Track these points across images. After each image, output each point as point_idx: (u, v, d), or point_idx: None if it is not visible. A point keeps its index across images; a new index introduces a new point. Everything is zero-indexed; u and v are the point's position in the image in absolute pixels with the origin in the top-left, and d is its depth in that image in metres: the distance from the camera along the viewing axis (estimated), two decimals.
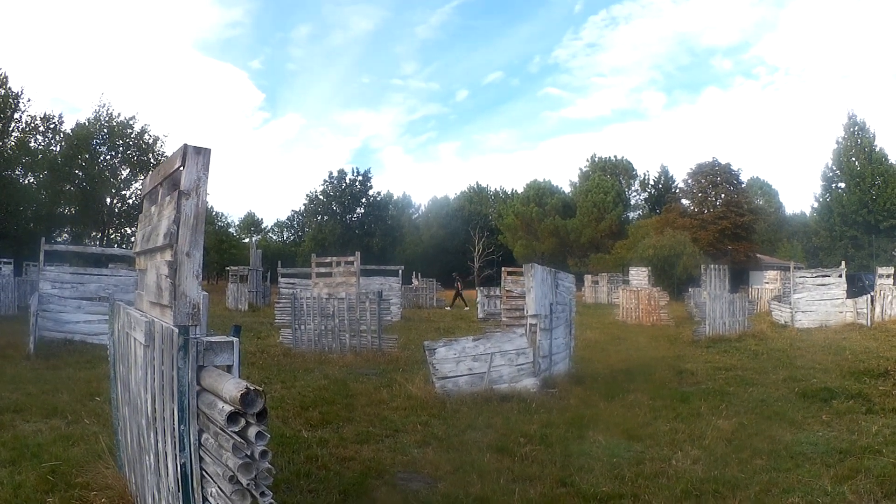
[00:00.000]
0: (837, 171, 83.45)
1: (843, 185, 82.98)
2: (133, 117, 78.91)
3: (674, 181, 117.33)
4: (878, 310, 35.44)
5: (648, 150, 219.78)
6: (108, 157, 77.61)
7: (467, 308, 51.28)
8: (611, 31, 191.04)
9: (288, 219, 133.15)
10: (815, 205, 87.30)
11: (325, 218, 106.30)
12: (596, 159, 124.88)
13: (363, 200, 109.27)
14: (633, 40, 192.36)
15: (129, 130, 78.10)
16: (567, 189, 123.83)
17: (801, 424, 12.70)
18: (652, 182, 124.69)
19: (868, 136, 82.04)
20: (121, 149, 78.05)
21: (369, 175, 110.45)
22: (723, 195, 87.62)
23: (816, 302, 35.37)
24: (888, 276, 37.73)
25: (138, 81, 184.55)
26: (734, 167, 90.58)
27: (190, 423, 4.87)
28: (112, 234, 78.73)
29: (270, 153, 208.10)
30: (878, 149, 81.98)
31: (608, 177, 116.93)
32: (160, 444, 5.58)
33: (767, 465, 9.93)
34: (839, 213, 79.52)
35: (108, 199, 78.09)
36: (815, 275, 37.48)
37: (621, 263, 76.91)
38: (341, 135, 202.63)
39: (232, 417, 4.27)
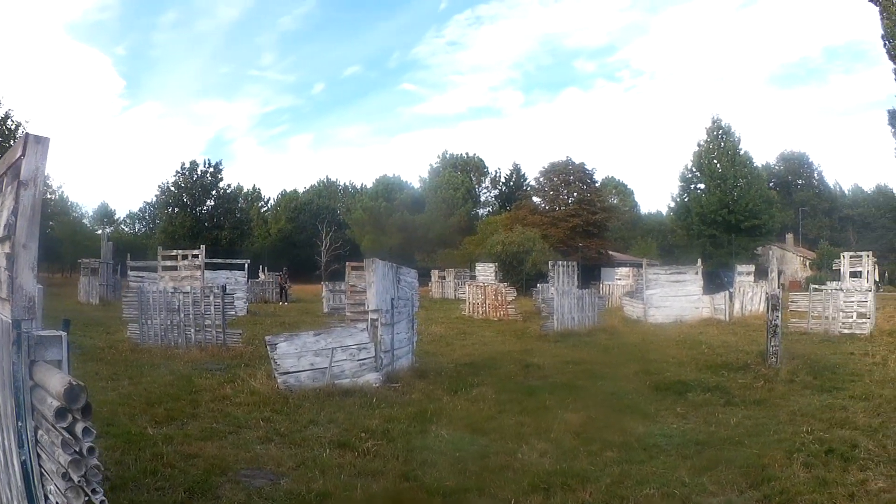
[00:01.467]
0: (697, 173, 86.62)
1: (702, 185, 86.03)
2: None
3: (525, 179, 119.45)
4: (737, 305, 36.35)
5: (503, 148, 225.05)
6: None
7: (284, 304, 51.64)
8: (474, 30, 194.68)
9: (140, 210, 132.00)
10: (672, 205, 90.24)
11: (176, 210, 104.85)
12: (447, 156, 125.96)
13: (213, 192, 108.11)
14: (495, 40, 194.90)
15: None
16: (417, 185, 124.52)
17: (655, 417, 12.59)
18: (503, 179, 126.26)
19: (733, 140, 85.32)
20: None
21: (220, 167, 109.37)
22: (575, 193, 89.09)
23: (671, 298, 35.90)
24: (748, 273, 38.95)
25: (4, 63, 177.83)
26: (588, 166, 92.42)
27: (26, 419, 4.79)
28: None
29: (128, 142, 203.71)
30: (742, 152, 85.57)
31: (459, 173, 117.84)
32: (6, 442, 5.38)
33: (619, 458, 9.68)
34: (698, 212, 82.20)
35: None
36: (669, 271, 38.23)
37: (470, 259, 77.32)
38: (196, 125, 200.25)
39: (60, 413, 4.19)
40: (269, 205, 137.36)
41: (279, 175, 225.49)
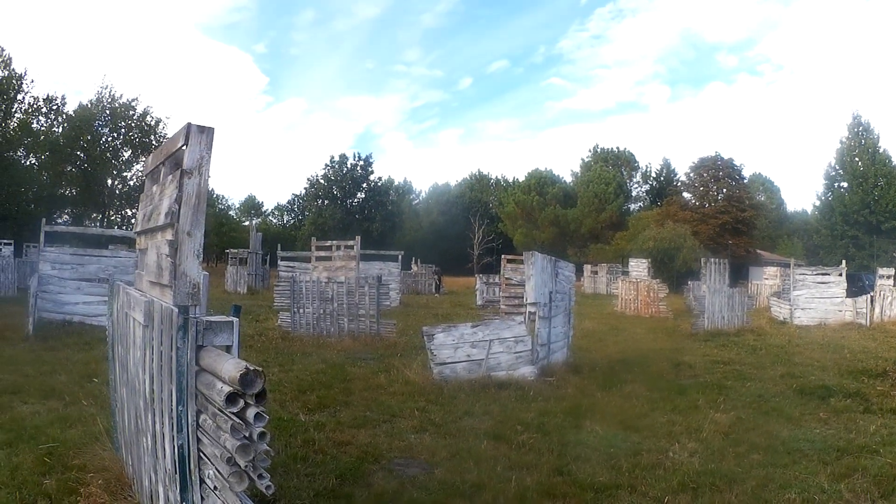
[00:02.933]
0: (840, 171, 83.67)
1: (845, 184, 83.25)
2: (135, 99, 79.21)
3: (675, 174, 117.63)
4: (877, 310, 35.38)
5: (651, 142, 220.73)
6: (110, 138, 77.69)
7: (436, 295, 52.49)
8: (616, 23, 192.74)
9: (288, 202, 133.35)
10: (817, 203, 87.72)
11: (326, 202, 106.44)
12: (598, 150, 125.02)
13: (364, 185, 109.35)
14: (638, 34, 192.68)
15: (132, 112, 78.31)
16: (568, 179, 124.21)
17: (799, 421, 12.66)
18: (654, 175, 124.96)
19: (872, 138, 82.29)
20: (123, 130, 78.24)
21: (370, 160, 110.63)
22: (724, 190, 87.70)
23: (816, 300, 35.44)
24: (888, 276, 37.88)
25: (142, 64, 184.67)
26: (737, 162, 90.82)
27: (188, 403, 4.87)
28: (112, 215, 79.21)
29: (273, 137, 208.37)
30: (881, 150, 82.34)
31: (610, 168, 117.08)
32: (158, 426, 5.60)
33: (764, 461, 9.91)
34: (841, 212, 79.76)
35: (109, 181, 78.44)
36: (815, 272, 37.58)
37: (621, 254, 77.09)
38: (343, 120, 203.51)
39: (231, 398, 4.27)
40: (420, 198, 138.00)
41: (430, 169, 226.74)
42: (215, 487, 4.62)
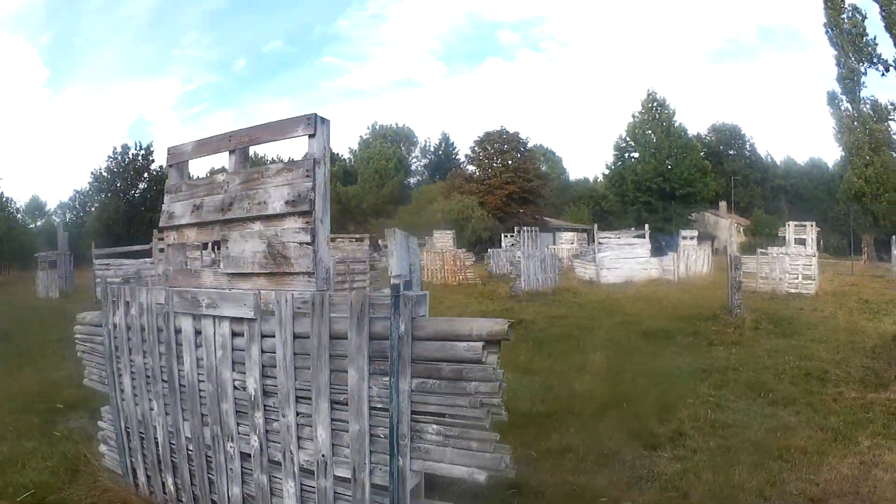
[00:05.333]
0: (632, 143, 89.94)
1: (636, 154, 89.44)
2: None
3: (454, 148, 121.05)
4: (682, 267, 39.39)
5: (428, 118, 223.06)
6: None
7: None
8: (397, 2, 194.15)
9: (70, 199, 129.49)
10: (606, 172, 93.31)
11: (109, 195, 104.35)
12: (377, 127, 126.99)
13: (146, 175, 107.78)
14: (418, 11, 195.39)
15: None
16: (347, 156, 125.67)
17: (658, 355, 15.55)
18: (433, 149, 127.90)
19: (667, 112, 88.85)
20: None
21: (151, 149, 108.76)
22: (510, 161, 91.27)
23: (621, 260, 39.06)
24: (692, 238, 42.38)
25: None
26: (522, 136, 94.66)
27: (403, 372, 5.47)
28: None
29: (54, 131, 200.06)
30: (677, 124, 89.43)
31: (389, 144, 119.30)
32: (292, 416, 6.17)
33: (652, 382, 12.68)
34: (633, 180, 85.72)
35: None
36: (618, 235, 41.34)
37: (407, 228, 79.44)
38: (120, 108, 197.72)
39: (474, 354, 5.14)
40: None
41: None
42: (446, 437, 5.37)
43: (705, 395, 11.68)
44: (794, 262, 32.00)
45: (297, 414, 6.14)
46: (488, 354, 5.14)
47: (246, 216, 6.74)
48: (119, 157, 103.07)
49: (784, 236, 34.02)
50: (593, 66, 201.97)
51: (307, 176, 6.23)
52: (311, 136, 6.27)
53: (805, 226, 34.02)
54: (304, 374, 6.10)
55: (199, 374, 7.01)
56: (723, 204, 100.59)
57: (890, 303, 26.05)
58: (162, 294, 7.42)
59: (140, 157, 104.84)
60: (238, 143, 6.97)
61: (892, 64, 69.20)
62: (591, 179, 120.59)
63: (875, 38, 70.84)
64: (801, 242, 33.12)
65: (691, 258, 40.86)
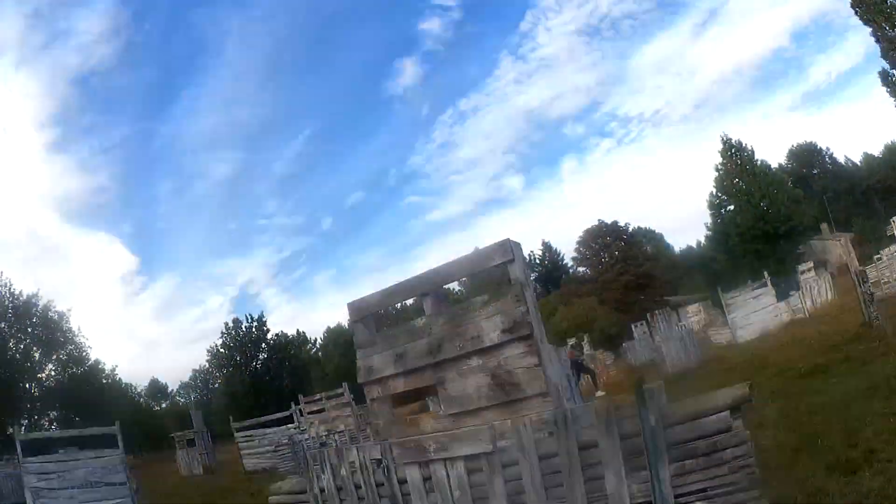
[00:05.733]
0: (724, 196, 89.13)
1: (731, 207, 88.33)
2: (36, 294, 76.64)
3: (559, 254, 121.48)
4: (808, 302, 40.05)
5: (524, 232, 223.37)
6: (16, 339, 73.74)
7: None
8: (459, 126, 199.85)
9: (191, 378, 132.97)
10: (709, 234, 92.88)
11: (231, 369, 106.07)
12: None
13: (263, 346, 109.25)
14: (483, 130, 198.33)
15: (34, 309, 75.09)
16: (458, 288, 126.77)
17: (822, 391, 16.02)
18: (538, 261, 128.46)
19: (747, 154, 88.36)
20: (29, 329, 74.91)
21: (263, 319, 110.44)
22: (617, 252, 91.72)
23: (752, 314, 39.29)
24: (809, 269, 42.52)
25: (14, 258, 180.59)
26: (621, 223, 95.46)
27: (658, 463, 5.92)
28: (38, 418, 75.62)
29: (151, 315, 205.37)
30: (759, 162, 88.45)
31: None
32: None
33: (828, 415, 13.31)
34: (737, 233, 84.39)
35: (27, 384, 74.25)
36: (743, 292, 41.44)
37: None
38: (218, 286, 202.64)
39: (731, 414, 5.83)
40: (317, 345, 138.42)
41: (313, 315, 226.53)
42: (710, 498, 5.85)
43: (881, 410, 12.09)
44: None
45: None
46: (737, 420, 5.77)
47: (460, 354, 7.02)
48: (233, 332, 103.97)
49: (893, 234, 33.93)
50: (660, 133, 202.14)
51: (517, 301, 6.58)
52: (511, 261, 6.72)
53: None
54: (554, 492, 6.40)
55: None
56: (824, 226, 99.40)
57: None
58: (377, 449, 7.76)
59: (254, 329, 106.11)
60: (432, 285, 7.41)
61: None
62: (694, 245, 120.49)
63: None
64: None
65: (814, 290, 41.47)
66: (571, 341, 45.29)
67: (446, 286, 7.79)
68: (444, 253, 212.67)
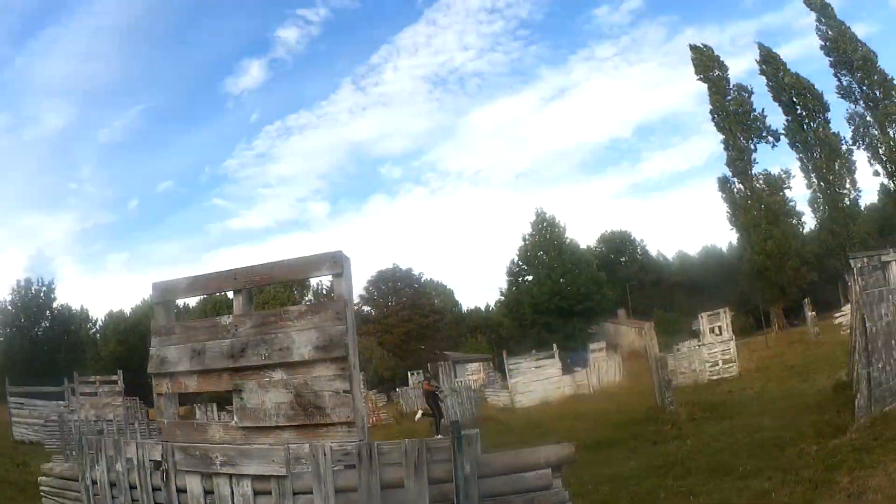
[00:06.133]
0: (524, 266, 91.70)
1: (530, 277, 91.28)
2: None
3: None
4: (594, 379, 40.35)
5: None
6: None
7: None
8: (283, 141, 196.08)
9: None
10: (501, 298, 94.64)
11: (14, 330, 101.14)
12: None
13: (48, 313, 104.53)
14: (303, 150, 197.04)
15: None
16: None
17: (609, 464, 15.64)
18: (324, 291, 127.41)
19: (558, 230, 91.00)
20: None
21: (53, 285, 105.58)
22: (405, 298, 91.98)
23: (534, 382, 39.74)
24: (600, 349, 43.53)
25: None
26: (415, 272, 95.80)
27: None
28: None
29: None
30: (568, 241, 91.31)
31: (283, 289, 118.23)
32: None
33: (617, 487, 12.98)
34: (529, 303, 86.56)
35: None
36: (529, 359, 42.10)
37: None
38: (22, 240, 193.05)
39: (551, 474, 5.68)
40: (97, 326, 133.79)
41: (101, 294, 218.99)
42: None
43: (674, 486, 11.97)
44: (712, 350, 33.65)
45: None
46: (556, 479, 5.54)
47: (264, 364, 6.38)
48: (22, 292, 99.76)
49: (696, 329, 35.31)
50: (475, 194, 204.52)
51: (338, 318, 6.03)
52: (339, 275, 6.20)
53: (718, 313, 35.67)
54: None
55: None
56: (621, 312, 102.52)
57: (814, 362, 27.67)
58: (158, 449, 6.99)
59: (42, 294, 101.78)
60: (248, 282, 6.73)
61: (783, 132, 75.49)
62: (483, 308, 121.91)
63: (763, 110, 76.94)
64: (713, 331, 34.45)
65: (602, 369, 42.13)
66: (427, 374, 44.70)
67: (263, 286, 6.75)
68: (236, 263, 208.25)
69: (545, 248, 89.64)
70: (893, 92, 73.34)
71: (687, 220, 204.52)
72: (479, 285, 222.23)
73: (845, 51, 72.60)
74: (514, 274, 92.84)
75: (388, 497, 5.72)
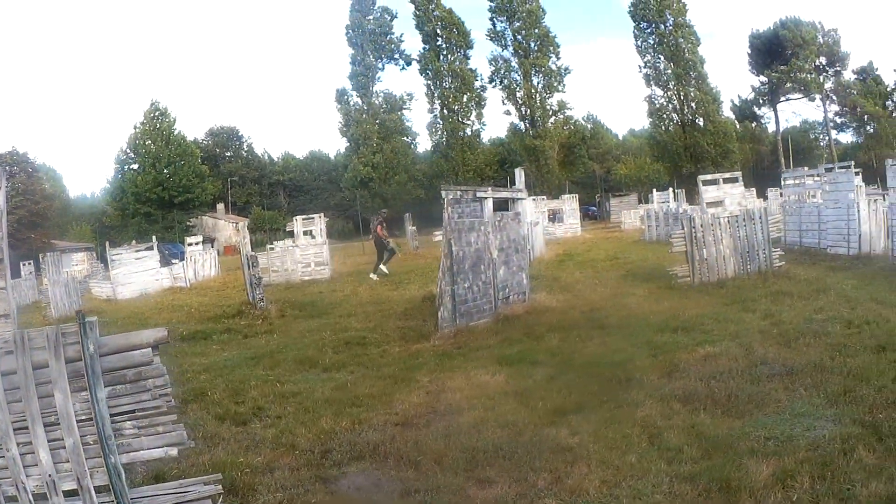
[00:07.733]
0: (132, 154, 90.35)
1: (136, 166, 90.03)
2: None
3: None
4: (190, 273, 41.18)
5: None
6: None
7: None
8: None
9: None
10: (108, 186, 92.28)
11: None
12: None
13: None
14: None
15: None
16: None
17: (205, 355, 16.38)
18: None
19: (168, 121, 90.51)
20: None
21: None
22: (20, 185, 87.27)
23: (134, 274, 39.30)
24: (197, 243, 43.97)
25: None
26: (31, 155, 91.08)
27: (96, 386, 6.25)
28: None
29: None
30: (177, 132, 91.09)
31: None
32: (13, 449, 6.44)
33: (215, 377, 13.65)
34: (133, 192, 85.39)
35: None
36: (129, 251, 41.61)
37: None
38: None
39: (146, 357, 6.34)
40: None
41: None
42: (140, 429, 6.39)
43: (264, 376, 12.85)
44: (305, 252, 35.00)
45: (19, 444, 6.39)
46: (156, 356, 6.30)
47: None
48: None
49: (292, 230, 36.42)
50: (93, 74, 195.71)
51: None
52: None
53: (314, 217, 37.08)
54: (17, 406, 6.40)
55: None
56: (220, 206, 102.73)
57: (409, 273, 30.03)
58: None
59: None
60: None
61: (417, 59, 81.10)
62: (89, 195, 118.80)
63: (402, 35, 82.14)
64: (308, 234, 36.11)
65: (199, 263, 43.01)
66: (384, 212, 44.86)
67: None
68: None
69: (154, 137, 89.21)
70: (550, 47, 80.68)
71: (298, 124, 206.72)
72: (92, 172, 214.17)
73: (512, 1, 78.17)
74: (121, 162, 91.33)
75: (39, 375, 6.31)
